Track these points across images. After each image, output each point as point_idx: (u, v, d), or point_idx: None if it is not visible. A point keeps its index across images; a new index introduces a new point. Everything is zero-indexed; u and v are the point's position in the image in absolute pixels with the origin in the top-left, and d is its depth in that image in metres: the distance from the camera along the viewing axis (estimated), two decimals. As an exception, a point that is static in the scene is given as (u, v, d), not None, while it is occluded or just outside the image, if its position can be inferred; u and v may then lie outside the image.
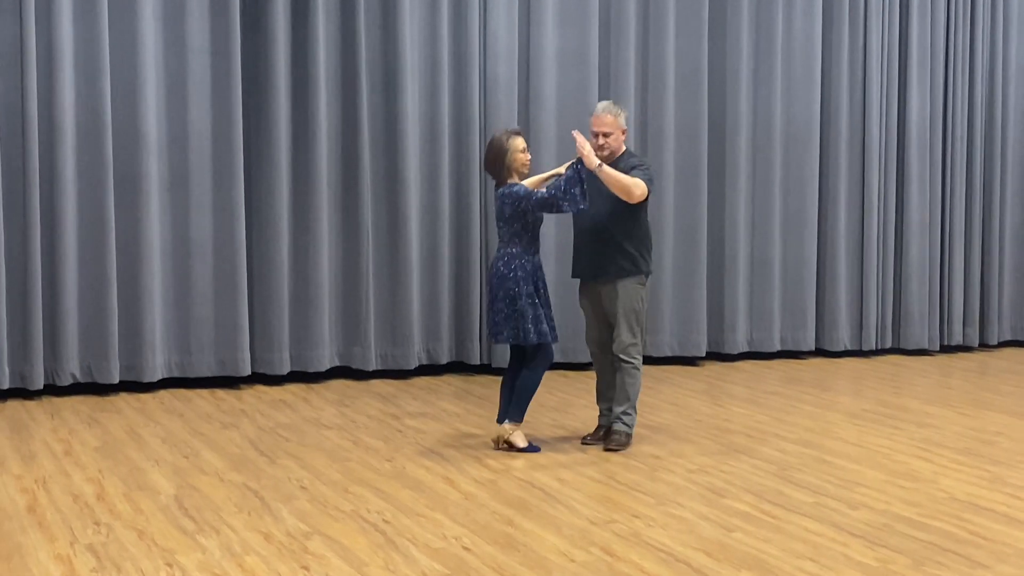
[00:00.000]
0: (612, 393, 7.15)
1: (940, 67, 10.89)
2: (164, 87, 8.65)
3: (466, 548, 5.29)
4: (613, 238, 6.94)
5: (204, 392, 8.76)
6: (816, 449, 7.21)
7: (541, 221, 6.89)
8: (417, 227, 9.32)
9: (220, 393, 8.76)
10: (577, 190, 6.59)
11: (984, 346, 11.30)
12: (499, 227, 6.94)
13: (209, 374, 8.90)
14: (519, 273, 6.76)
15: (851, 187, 10.65)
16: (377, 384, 9.21)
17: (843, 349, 10.79)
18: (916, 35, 10.68)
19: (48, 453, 6.87)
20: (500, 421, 7.04)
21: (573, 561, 5.11)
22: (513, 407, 6.95)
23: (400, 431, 7.62)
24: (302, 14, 8.89)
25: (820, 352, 10.85)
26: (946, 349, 11.17)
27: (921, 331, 10.90)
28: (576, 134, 6.66)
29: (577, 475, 6.53)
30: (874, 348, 10.86)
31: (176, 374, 8.81)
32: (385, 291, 9.35)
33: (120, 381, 8.58)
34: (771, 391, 9.06)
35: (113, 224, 8.46)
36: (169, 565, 5.04)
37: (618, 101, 7.51)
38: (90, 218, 8.43)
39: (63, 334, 8.38)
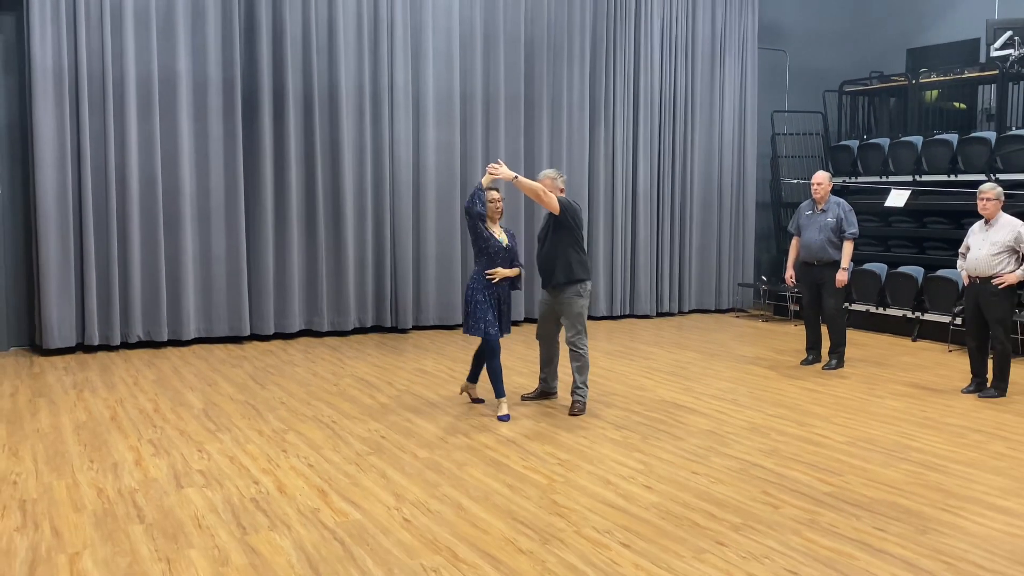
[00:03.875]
0: (549, 367, 6.16)
1: (656, 146, 10.89)
2: None
3: (383, 437, 5.30)
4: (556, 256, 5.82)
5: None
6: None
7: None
8: None
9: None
10: (474, 202, 5.52)
11: (680, 312, 11.27)
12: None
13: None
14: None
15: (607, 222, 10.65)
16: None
17: (601, 316, 10.62)
18: (642, 128, 10.78)
19: None
20: (471, 380, 6.06)
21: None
22: (498, 386, 5.73)
23: (343, 368, 7.58)
24: None
25: (591, 318, 10.55)
26: (660, 314, 11.14)
27: (646, 303, 10.88)
28: (491, 166, 5.46)
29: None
30: (619, 314, 10.80)
31: None
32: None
33: None
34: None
35: None
36: (200, 451, 4.97)
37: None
38: None
39: None
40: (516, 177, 5.51)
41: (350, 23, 9.07)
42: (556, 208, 5.68)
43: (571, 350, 5.90)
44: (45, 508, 4.04)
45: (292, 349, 8.46)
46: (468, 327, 5.65)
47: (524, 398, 6.26)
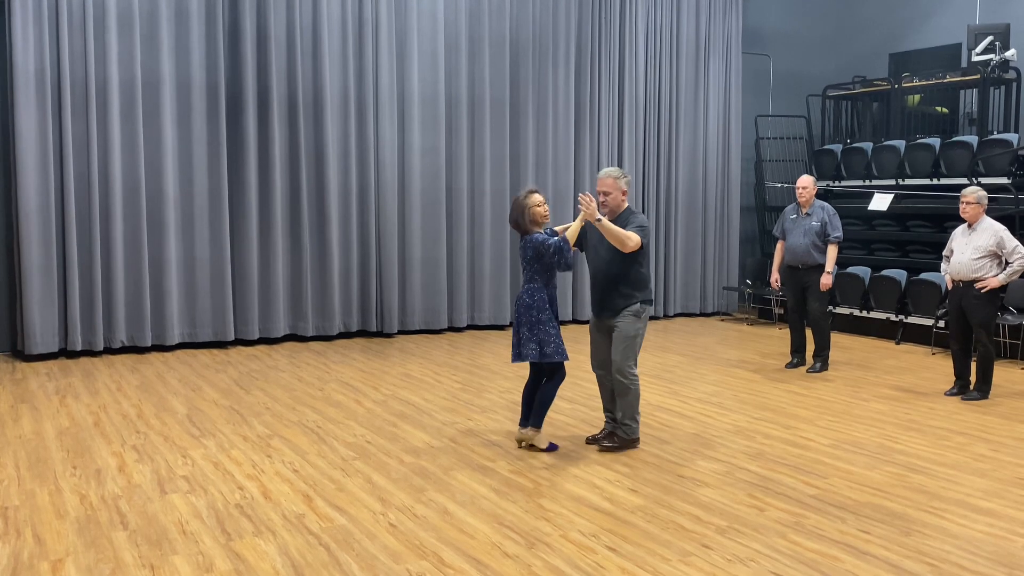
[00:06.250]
0: (612, 404, 5.33)
1: (641, 151, 10.98)
2: None
3: (368, 442, 5.30)
4: (614, 281, 5.11)
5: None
6: (582, 381, 7.30)
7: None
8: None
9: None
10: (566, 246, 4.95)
11: (665, 316, 11.31)
12: (524, 268, 5.04)
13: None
14: (542, 303, 5.00)
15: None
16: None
17: (586, 320, 10.54)
18: (627, 131, 10.87)
19: None
20: (523, 425, 5.23)
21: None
22: (534, 415, 5.13)
23: (328, 372, 7.58)
24: None
25: (578, 322, 10.57)
26: (646, 318, 11.30)
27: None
28: (582, 196, 4.83)
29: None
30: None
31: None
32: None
33: None
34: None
35: None
36: (184, 456, 4.95)
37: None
38: None
39: None
40: (600, 220, 4.85)
41: (334, 26, 9.06)
42: (637, 246, 4.98)
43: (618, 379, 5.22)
44: (27, 515, 4.02)
45: (277, 354, 8.44)
46: (557, 351, 5.00)
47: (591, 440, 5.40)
